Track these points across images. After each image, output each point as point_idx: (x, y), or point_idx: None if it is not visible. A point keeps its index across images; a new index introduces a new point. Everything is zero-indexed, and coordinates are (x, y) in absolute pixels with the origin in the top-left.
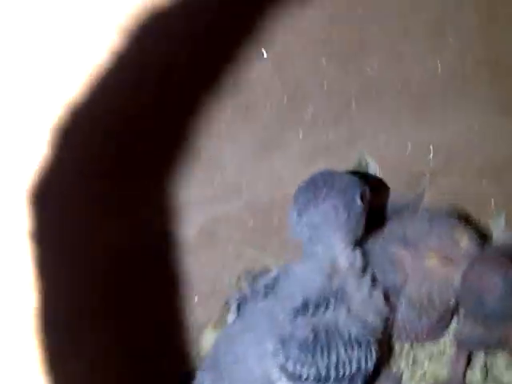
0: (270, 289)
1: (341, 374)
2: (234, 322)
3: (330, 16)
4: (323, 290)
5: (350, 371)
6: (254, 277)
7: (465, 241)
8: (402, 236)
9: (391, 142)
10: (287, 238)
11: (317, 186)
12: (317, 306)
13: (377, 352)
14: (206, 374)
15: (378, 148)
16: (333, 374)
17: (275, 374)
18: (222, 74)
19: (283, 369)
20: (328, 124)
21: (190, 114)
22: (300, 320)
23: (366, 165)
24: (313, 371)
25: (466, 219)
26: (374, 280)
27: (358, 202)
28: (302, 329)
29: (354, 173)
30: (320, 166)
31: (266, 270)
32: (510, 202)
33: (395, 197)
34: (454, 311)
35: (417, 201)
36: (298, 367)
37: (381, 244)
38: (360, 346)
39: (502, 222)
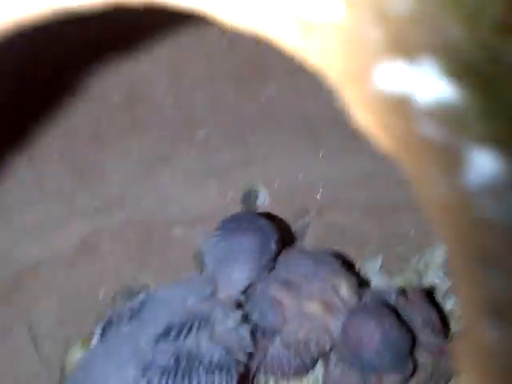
0: (136, 313)
1: None
2: (97, 346)
3: (229, 40)
4: (187, 315)
5: None
6: (129, 296)
7: (345, 288)
8: (284, 277)
9: (283, 170)
10: (168, 257)
11: (241, 220)
12: (179, 331)
13: (238, 377)
14: None
15: (269, 176)
16: None
17: None
18: (113, 86)
19: None
20: (221, 146)
21: (77, 122)
22: (161, 346)
23: (256, 192)
24: None
25: (348, 262)
26: (246, 318)
27: (273, 246)
28: (163, 355)
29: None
30: (209, 187)
31: (143, 289)
32: (390, 245)
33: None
34: (326, 354)
35: (300, 234)
36: None
37: (263, 282)
38: (221, 370)
39: (378, 264)
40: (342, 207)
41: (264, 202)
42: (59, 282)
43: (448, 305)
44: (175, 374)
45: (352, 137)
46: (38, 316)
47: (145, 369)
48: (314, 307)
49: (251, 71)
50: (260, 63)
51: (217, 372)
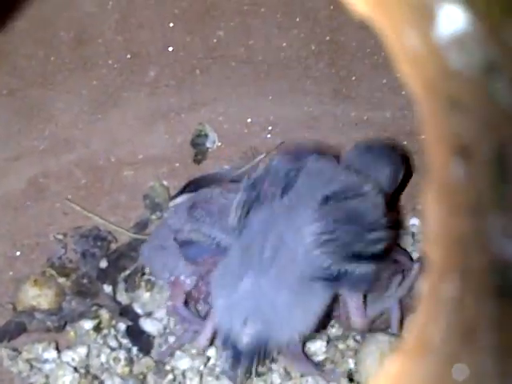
0: (289, 188)
1: (369, 253)
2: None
3: None
4: (340, 184)
5: (377, 249)
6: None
7: None
8: None
9: (232, 113)
10: (118, 198)
11: (389, 150)
12: (338, 197)
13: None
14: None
15: (218, 118)
16: (365, 253)
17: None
18: (60, 27)
19: (330, 251)
20: (170, 88)
21: (25, 62)
22: (328, 207)
23: (205, 134)
24: (351, 250)
25: None
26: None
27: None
28: (335, 212)
29: None
30: (158, 130)
31: (94, 230)
32: None
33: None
34: None
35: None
36: (341, 248)
37: None
38: (381, 228)
39: None
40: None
41: (213, 144)
42: (8, 223)
43: None
44: (348, 229)
45: (299, 79)
46: None
47: (322, 225)
48: None
49: (201, 12)
50: (210, 4)
51: (376, 230)
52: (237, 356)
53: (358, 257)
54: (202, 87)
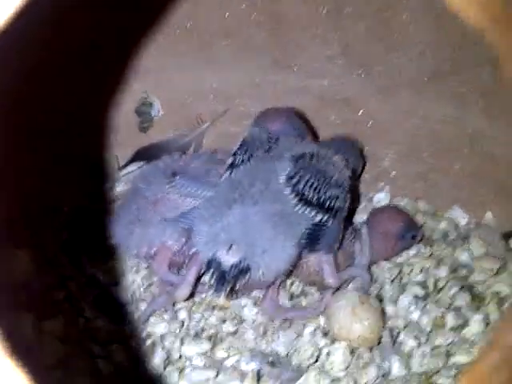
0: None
1: (331, 205)
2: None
3: None
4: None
5: (338, 205)
6: None
7: None
8: None
9: (176, 81)
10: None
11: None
12: (311, 156)
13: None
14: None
15: (162, 86)
16: (327, 203)
17: (291, 196)
18: None
19: (297, 191)
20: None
21: None
22: (300, 162)
23: (150, 102)
24: (317, 197)
25: None
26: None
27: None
28: (306, 167)
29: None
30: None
31: None
32: None
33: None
34: None
35: (197, 141)
36: (308, 192)
37: None
38: (343, 188)
39: None
40: (232, 117)
41: (158, 112)
42: None
43: None
44: (318, 180)
45: (241, 49)
46: None
47: (295, 172)
48: None
49: None
50: None
51: (341, 188)
52: (222, 277)
53: (319, 205)
54: (147, 56)
